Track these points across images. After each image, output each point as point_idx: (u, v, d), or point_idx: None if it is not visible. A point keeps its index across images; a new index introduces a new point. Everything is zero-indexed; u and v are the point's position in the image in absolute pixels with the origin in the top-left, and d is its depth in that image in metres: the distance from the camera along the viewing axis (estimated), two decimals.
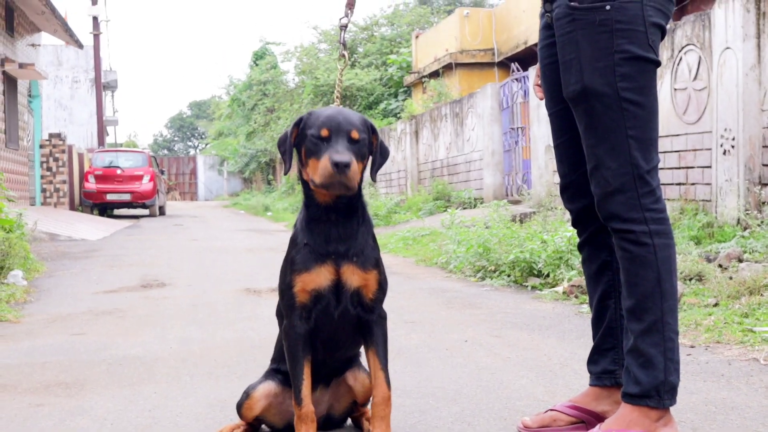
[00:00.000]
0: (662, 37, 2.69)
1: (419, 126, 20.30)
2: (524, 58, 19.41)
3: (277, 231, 17.22)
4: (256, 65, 41.11)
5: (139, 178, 24.44)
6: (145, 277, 8.40)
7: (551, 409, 2.95)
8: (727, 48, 8.01)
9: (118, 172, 24.44)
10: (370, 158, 2.73)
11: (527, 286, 6.93)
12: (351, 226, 2.68)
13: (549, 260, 6.94)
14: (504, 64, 21.56)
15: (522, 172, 14.60)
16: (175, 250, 12.16)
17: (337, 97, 2.86)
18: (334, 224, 2.67)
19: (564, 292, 6.26)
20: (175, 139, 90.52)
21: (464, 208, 14.45)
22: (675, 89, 8.98)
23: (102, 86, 32.16)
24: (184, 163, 57.92)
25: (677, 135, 8.91)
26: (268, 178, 45.00)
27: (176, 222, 21.74)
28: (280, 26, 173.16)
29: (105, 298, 6.93)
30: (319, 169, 2.53)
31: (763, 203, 7.66)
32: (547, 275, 6.88)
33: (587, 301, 5.67)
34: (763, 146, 7.71)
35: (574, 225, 2.98)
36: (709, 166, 8.39)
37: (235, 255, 11.11)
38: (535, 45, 2.95)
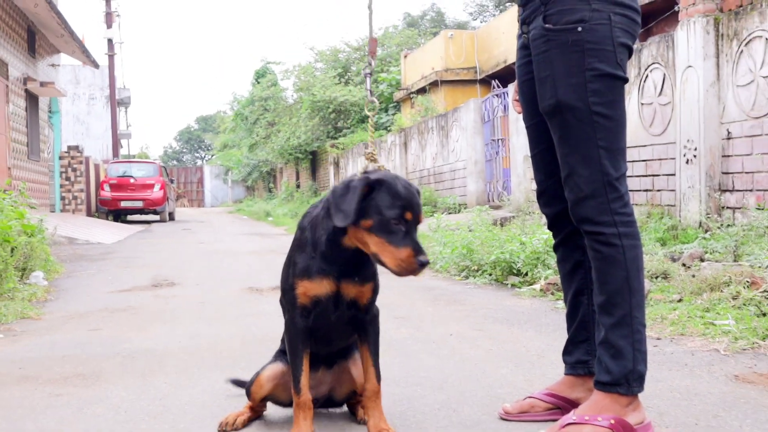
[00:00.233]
0: (629, 56, 2.70)
1: (408, 138, 20.30)
2: (504, 76, 19.44)
3: (277, 235, 17.19)
4: (258, 83, 41.11)
5: (151, 186, 24.40)
6: (156, 277, 8.38)
7: (530, 397, 2.95)
8: (689, 66, 8.03)
9: (131, 181, 24.42)
10: None
11: (507, 284, 6.93)
12: (362, 260, 2.63)
13: (527, 260, 6.95)
14: (485, 81, 21.58)
15: (502, 179, 14.62)
16: (184, 253, 12.13)
17: (371, 143, 2.81)
18: (349, 262, 2.62)
19: (541, 290, 6.26)
20: (184, 150, 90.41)
21: (449, 213, 14.46)
22: (642, 104, 8.99)
23: (116, 102, 32.08)
24: (192, 172, 57.88)
25: (644, 146, 8.93)
26: (269, 186, 45.01)
27: (185, 227, 21.70)
28: (280, 47, 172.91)
29: (119, 296, 6.91)
30: (399, 257, 2.42)
31: (723, 208, 7.68)
32: (526, 274, 6.88)
33: (562, 298, 5.67)
34: (723, 156, 7.74)
35: (549, 228, 2.99)
36: (673, 174, 8.41)
37: (239, 257, 11.09)
38: (514, 64, 2.96)
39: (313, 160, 34.00)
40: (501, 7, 40.76)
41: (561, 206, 2.85)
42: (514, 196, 12.97)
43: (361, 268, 2.64)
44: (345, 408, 3.05)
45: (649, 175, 8.90)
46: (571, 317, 2.94)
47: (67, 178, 23.73)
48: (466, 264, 7.78)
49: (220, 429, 2.79)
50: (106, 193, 24.16)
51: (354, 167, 25.45)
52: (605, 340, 2.64)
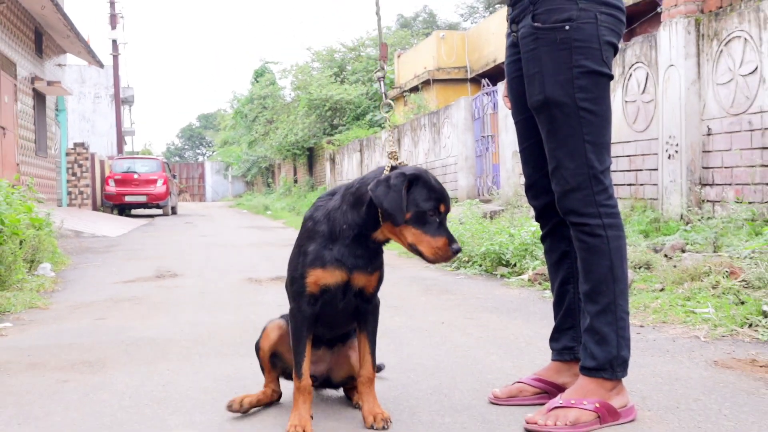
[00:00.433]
0: (615, 54, 2.70)
1: (401, 135, 20.28)
2: (493, 75, 19.43)
3: (276, 228, 17.18)
4: (257, 82, 41.04)
5: (154, 181, 24.38)
6: (159, 269, 8.36)
7: (518, 382, 2.95)
8: (671, 65, 8.04)
9: (135, 176, 24.39)
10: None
11: (497, 275, 6.93)
12: (377, 250, 2.68)
13: (516, 252, 6.95)
14: (476, 80, 21.57)
15: (492, 174, 14.61)
16: (186, 245, 12.12)
17: (390, 144, 2.80)
18: (367, 254, 2.64)
19: (529, 280, 6.27)
20: (186, 147, 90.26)
21: None
22: (626, 101, 9.00)
23: (120, 101, 32.02)
24: (194, 168, 57.78)
25: (628, 141, 8.94)
26: (268, 181, 44.93)
27: (187, 220, 21.67)
28: (278, 47, 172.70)
29: (124, 287, 6.90)
30: (433, 247, 2.49)
31: (703, 201, 7.69)
32: (514, 265, 6.89)
33: (549, 287, 5.69)
34: (703, 151, 7.74)
35: (537, 219, 2.99)
36: (656, 169, 8.42)
37: (239, 249, 11.08)
38: (503, 63, 2.95)
39: (310, 156, 33.96)
40: (491, 8, 40.69)
41: (548, 198, 2.85)
42: (503, 191, 12.97)
43: (375, 258, 2.67)
44: (341, 392, 3.05)
45: (633, 170, 8.90)
46: (557, 305, 2.94)
47: (74, 174, 23.69)
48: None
49: (230, 408, 2.79)
50: (111, 188, 24.13)
51: (349, 163, 25.42)
52: (590, 327, 2.64)
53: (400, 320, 4.80)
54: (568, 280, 2.88)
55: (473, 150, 15.64)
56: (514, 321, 4.70)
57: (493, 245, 7.20)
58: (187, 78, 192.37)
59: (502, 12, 20.00)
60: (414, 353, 3.84)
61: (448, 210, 2.57)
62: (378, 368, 3.12)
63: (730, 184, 7.37)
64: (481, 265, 7.28)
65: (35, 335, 4.61)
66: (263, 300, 5.84)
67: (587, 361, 2.64)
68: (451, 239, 2.50)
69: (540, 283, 6.08)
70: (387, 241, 2.65)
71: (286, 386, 2.94)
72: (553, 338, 2.96)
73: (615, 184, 8.42)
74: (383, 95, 2.93)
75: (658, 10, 8.76)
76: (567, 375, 2.88)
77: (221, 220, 22.06)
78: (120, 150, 31.50)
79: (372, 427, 2.62)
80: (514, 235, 7.25)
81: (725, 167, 7.45)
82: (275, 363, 2.87)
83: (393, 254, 9.32)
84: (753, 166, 6.98)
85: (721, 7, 7.89)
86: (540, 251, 6.67)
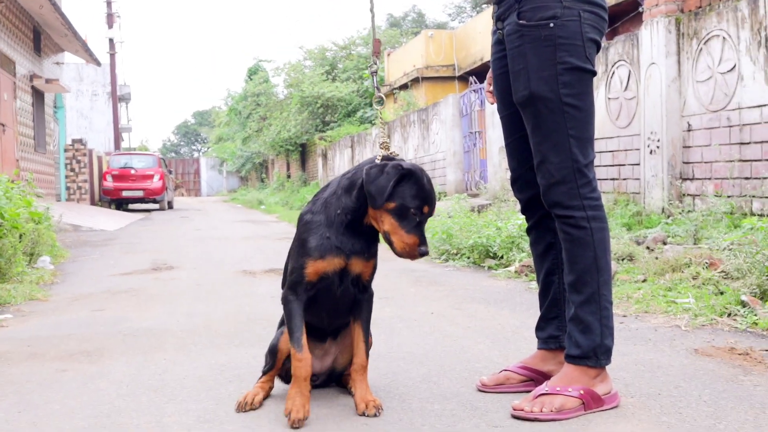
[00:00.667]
0: (597, 51, 2.70)
1: (391, 131, 20.28)
2: (481, 73, 19.42)
3: (269, 222, 17.15)
4: (251, 79, 40.95)
5: (150, 177, 24.31)
6: (155, 262, 8.34)
7: (505, 370, 2.95)
8: (653, 63, 8.05)
9: (132, 172, 24.32)
10: None
11: (484, 267, 6.94)
12: (373, 237, 2.70)
13: (503, 244, 6.96)
14: (463, 78, 21.56)
15: (479, 169, 14.62)
16: (182, 239, 12.09)
17: (382, 135, 2.79)
18: (362, 238, 2.66)
19: (516, 272, 6.27)
20: (181, 143, 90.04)
21: None
22: (609, 98, 9.01)
23: (117, 98, 31.89)
24: (189, 164, 57.70)
25: (611, 137, 8.95)
26: (262, 177, 44.90)
27: (183, 215, 21.62)
28: (271, 46, 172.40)
29: (121, 279, 6.87)
30: (404, 242, 2.53)
31: (684, 195, 7.72)
32: (501, 257, 6.90)
33: (535, 279, 5.70)
34: (684, 147, 7.76)
35: (523, 212, 2.99)
36: (638, 164, 8.43)
37: (234, 242, 11.05)
38: (490, 61, 2.95)
39: (303, 152, 33.92)
40: (478, 8, 40.71)
41: (534, 192, 2.85)
42: (490, 185, 12.99)
43: (371, 244, 2.69)
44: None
45: (616, 165, 8.92)
46: (543, 295, 2.94)
47: (72, 170, 23.59)
48: (445, 248, 7.78)
49: (238, 408, 2.73)
50: (109, 183, 24.05)
51: (341, 159, 25.40)
52: (575, 316, 2.65)
53: (391, 311, 4.80)
54: (554, 271, 2.88)
55: (461, 146, 15.65)
56: (501, 311, 4.70)
57: (481, 238, 7.20)
58: (182, 76, 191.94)
59: (489, 12, 19.97)
60: (404, 342, 3.84)
61: (431, 213, 2.59)
62: None
63: (709, 179, 7.40)
64: (469, 258, 7.29)
65: (35, 326, 4.60)
66: (257, 291, 5.83)
67: (572, 349, 2.65)
68: (422, 241, 2.54)
69: (526, 275, 6.09)
70: (373, 226, 2.66)
71: (279, 386, 2.95)
72: (539, 327, 2.96)
73: (598, 179, 8.45)
74: (375, 89, 2.93)
75: (640, 9, 8.77)
76: (552, 363, 2.88)
77: (216, 214, 22.02)
78: (117, 146, 31.38)
79: (364, 414, 2.61)
80: (501, 228, 7.26)
81: (705, 162, 7.47)
82: (284, 363, 2.86)
83: (383, 247, 9.30)
84: (731, 161, 7.00)
85: (700, 7, 7.91)
86: (526, 244, 6.68)
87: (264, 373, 2.87)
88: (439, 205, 11.59)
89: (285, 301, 2.68)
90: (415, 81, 23.07)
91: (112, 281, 6.73)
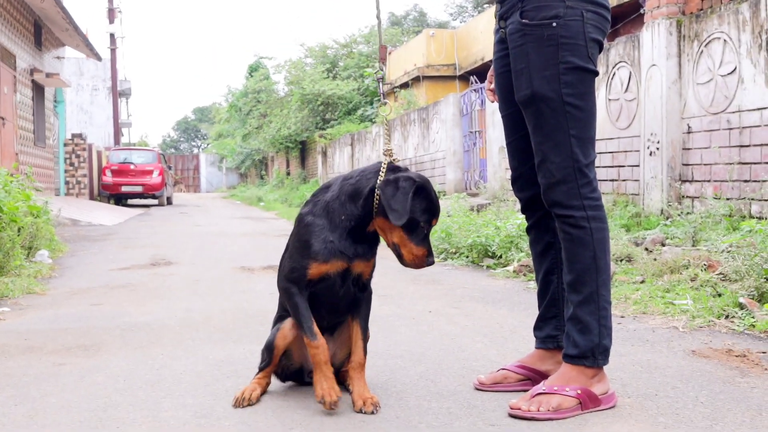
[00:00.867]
0: (600, 51, 2.70)
1: (392, 130, 20.23)
2: (482, 72, 19.41)
3: (268, 219, 17.15)
4: (251, 76, 40.90)
5: (150, 172, 24.29)
6: (154, 257, 8.34)
7: (503, 369, 2.95)
8: (653, 65, 8.05)
9: (132, 167, 24.30)
10: None
11: (483, 266, 6.93)
12: (375, 239, 2.73)
13: (501, 244, 6.96)
14: (464, 77, 21.56)
15: (479, 169, 14.62)
16: (181, 234, 12.08)
17: (386, 142, 2.79)
18: (365, 238, 2.69)
19: (514, 271, 6.27)
20: (181, 139, 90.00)
21: None
22: (609, 99, 9.01)
23: (118, 93, 31.84)
24: (189, 160, 57.67)
25: (611, 138, 8.95)
26: (261, 174, 44.87)
27: (182, 210, 21.61)
28: (272, 42, 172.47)
29: (119, 274, 6.87)
30: (413, 254, 2.61)
31: (683, 197, 7.72)
32: (500, 256, 6.89)
33: (534, 278, 5.69)
34: (683, 148, 7.76)
35: (523, 211, 2.98)
36: (638, 165, 8.43)
37: (232, 238, 11.05)
38: (491, 61, 2.95)
39: (303, 150, 33.91)
40: (479, 8, 40.71)
41: (534, 191, 2.84)
42: (489, 185, 12.98)
43: (373, 247, 2.73)
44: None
45: (615, 166, 8.92)
46: (541, 295, 2.94)
47: (71, 164, 23.57)
48: (444, 247, 7.78)
49: (236, 404, 2.72)
50: (108, 178, 24.03)
51: (341, 157, 25.39)
52: (573, 316, 2.64)
53: (389, 309, 4.79)
54: (553, 271, 2.88)
55: (461, 145, 15.65)
56: (499, 310, 4.70)
57: (480, 237, 7.20)
58: (183, 72, 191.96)
59: (491, 11, 20.00)
60: (402, 340, 3.83)
61: (436, 224, 2.65)
62: None
63: (708, 181, 7.40)
64: (467, 257, 7.28)
65: (32, 320, 4.59)
66: (255, 288, 5.83)
67: (570, 349, 2.64)
68: (429, 252, 2.62)
69: (525, 275, 6.08)
70: (375, 232, 2.70)
71: (275, 382, 2.95)
72: (537, 327, 2.96)
73: (598, 180, 8.44)
74: (381, 95, 2.94)
75: (642, 11, 8.76)
76: (550, 362, 2.88)
77: (215, 210, 22.01)
78: (117, 141, 31.35)
79: (361, 411, 2.61)
80: (500, 227, 7.25)
81: (704, 164, 7.47)
82: (281, 360, 2.85)
83: (381, 245, 9.29)
84: (731, 164, 7.00)
85: (701, 9, 7.91)
86: (525, 243, 6.68)
87: (260, 369, 2.86)
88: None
89: (287, 294, 2.68)
90: (416, 80, 23.08)
91: (110, 276, 6.73)
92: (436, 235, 7.94)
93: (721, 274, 4.82)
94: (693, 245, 6.12)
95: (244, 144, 43.14)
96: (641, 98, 8.30)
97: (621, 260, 6.01)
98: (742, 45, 6.94)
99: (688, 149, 7.70)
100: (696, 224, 6.50)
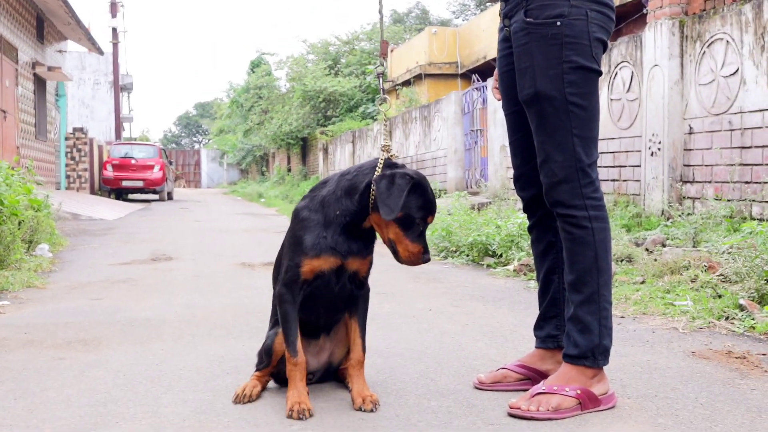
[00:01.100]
0: (604, 50, 2.69)
1: (393, 127, 20.25)
2: (484, 71, 19.40)
3: (269, 215, 17.15)
4: (253, 72, 40.87)
5: (151, 167, 24.27)
6: (154, 252, 8.34)
7: (502, 368, 2.95)
8: (656, 65, 8.04)
9: (133, 162, 24.28)
10: None
11: (483, 265, 6.93)
12: (370, 236, 2.72)
13: (502, 243, 6.95)
14: (466, 76, 21.54)
15: (480, 168, 14.61)
16: (181, 230, 12.08)
17: (385, 137, 2.79)
18: (360, 234, 2.67)
19: (514, 270, 6.27)
20: (182, 134, 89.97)
21: None
22: (611, 99, 9.00)
23: (119, 88, 31.83)
24: (190, 155, 57.68)
25: (612, 138, 8.94)
26: (262, 170, 44.87)
27: (182, 206, 21.61)
28: (274, 39, 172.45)
29: (120, 269, 6.87)
30: (409, 251, 2.59)
31: (684, 198, 7.71)
32: (501, 255, 6.89)
33: (534, 278, 5.69)
34: (685, 149, 7.76)
35: (524, 210, 2.98)
36: (639, 166, 8.43)
37: (233, 234, 11.05)
38: (493, 60, 2.95)
39: (304, 146, 33.90)
40: (482, 6, 40.64)
41: (536, 190, 2.84)
42: (490, 183, 12.98)
43: (369, 244, 2.71)
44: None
45: (617, 166, 8.91)
46: (542, 294, 2.94)
47: (72, 158, 23.58)
48: (445, 245, 7.78)
49: (236, 400, 2.73)
50: (109, 172, 24.02)
51: (342, 154, 25.38)
52: (574, 316, 2.64)
53: (389, 306, 4.79)
54: (554, 270, 2.88)
55: (462, 143, 15.64)
56: (500, 309, 4.70)
57: (480, 236, 7.20)
58: (184, 67, 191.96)
59: (493, 9, 19.98)
60: (402, 338, 3.83)
61: (431, 221, 2.63)
62: None
63: (709, 182, 7.39)
64: (468, 255, 7.28)
65: (32, 313, 4.59)
66: (255, 284, 5.83)
67: (570, 348, 2.64)
68: (425, 249, 2.59)
69: (525, 274, 6.08)
70: (371, 229, 2.69)
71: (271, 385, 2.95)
72: (538, 326, 2.95)
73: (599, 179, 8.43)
74: (381, 90, 2.93)
75: (644, 11, 8.76)
76: (550, 362, 2.88)
77: (216, 206, 22.01)
78: (118, 136, 31.34)
79: (361, 409, 2.61)
80: (500, 226, 7.25)
81: (705, 165, 7.46)
82: (278, 363, 2.85)
83: (379, 243, 9.28)
84: (732, 165, 7.00)
85: (704, 10, 7.90)
86: (525, 242, 6.68)
87: (258, 370, 2.86)
88: (440, 203, 11.59)
89: (280, 300, 2.67)
90: (418, 77, 23.06)
91: (110, 270, 6.73)
92: (436, 233, 7.94)
93: (721, 275, 4.82)
94: (693, 246, 6.12)
95: (245, 140, 43.13)
96: (643, 98, 8.30)
97: (621, 260, 6.01)
98: (745, 46, 6.94)
99: (690, 150, 7.70)
100: (697, 225, 6.50)
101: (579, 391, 2.58)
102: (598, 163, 3.12)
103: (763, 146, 6.69)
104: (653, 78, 8.08)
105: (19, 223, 6.89)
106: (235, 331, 4.03)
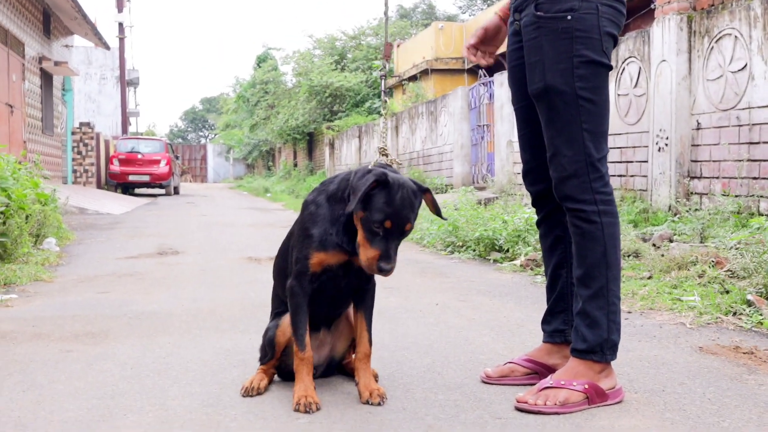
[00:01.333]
0: (614, 45, 2.69)
1: (399, 122, 20.25)
2: (490, 66, 19.35)
3: (275, 210, 17.16)
4: (259, 67, 40.90)
5: (157, 162, 24.29)
6: (161, 246, 8.35)
7: (509, 362, 2.95)
8: (663, 61, 8.02)
9: (139, 156, 24.30)
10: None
11: (490, 260, 6.93)
12: None
13: (509, 238, 6.95)
14: (472, 71, 21.51)
15: (486, 163, 14.60)
16: (188, 224, 12.10)
17: (382, 139, 2.78)
18: None
19: (521, 265, 6.26)
20: (189, 129, 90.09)
21: (437, 193, 14.44)
22: (618, 95, 8.98)
23: (126, 83, 31.85)
24: (196, 150, 57.73)
25: (619, 134, 8.93)
26: (268, 165, 44.90)
27: (188, 200, 21.64)
28: (281, 34, 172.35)
29: (126, 262, 6.88)
30: (367, 256, 2.44)
31: (691, 193, 7.70)
32: (507, 250, 6.89)
33: (541, 273, 5.70)
34: (692, 145, 7.74)
35: (533, 205, 2.97)
36: (646, 161, 8.41)
37: (239, 229, 11.06)
38: (500, 55, 2.95)
39: (310, 141, 33.92)
40: (488, 1, 40.59)
41: (545, 185, 2.83)
42: (497, 178, 12.97)
43: None
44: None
45: (624, 162, 8.90)
46: (550, 289, 2.93)
47: (79, 153, 23.61)
48: (451, 240, 7.78)
49: (244, 393, 2.73)
50: (115, 167, 24.05)
51: (348, 149, 25.39)
52: (582, 310, 2.64)
53: (396, 301, 4.79)
54: (562, 265, 2.87)
55: (469, 138, 15.63)
56: (506, 304, 4.70)
57: (487, 231, 7.19)
58: (191, 62, 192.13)
59: (500, 4, 19.91)
60: (408, 333, 3.83)
61: (397, 229, 2.44)
62: None
63: (717, 178, 7.37)
64: (474, 250, 7.28)
65: (40, 307, 4.60)
66: (262, 278, 5.83)
67: (578, 343, 2.64)
68: (383, 257, 2.42)
69: (531, 269, 6.08)
70: None
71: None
72: (545, 321, 2.95)
73: None
74: (382, 92, 2.92)
75: (652, 6, 8.74)
76: (557, 357, 2.88)
77: (222, 200, 22.03)
78: (125, 130, 31.37)
79: (368, 402, 2.61)
80: (507, 221, 7.25)
81: (713, 161, 7.44)
82: (281, 356, 2.85)
83: None
84: (740, 161, 6.98)
85: (713, 5, 7.86)
86: (532, 238, 6.67)
87: (262, 364, 2.87)
88: (446, 197, 11.59)
89: (291, 292, 2.67)
90: (425, 73, 23.05)
91: (117, 264, 6.74)
92: (442, 228, 7.94)
93: (729, 271, 4.80)
94: (701, 242, 6.10)
95: (251, 135, 43.17)
96: (650, 94, 8.28)
97: (628, 256, 6.00)
98: (753, 41, 6.91)
99: (697, 146, 7.67)
100: (704, 221, 6.48)
101: (586, 386, 2.57)
102: None
103: None
104: (661, 73, 8.05)
105: (27, 217, 6.91)
106: (242, 324, 4.04)
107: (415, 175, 16.95)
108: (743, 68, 7.03)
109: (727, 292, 4.40)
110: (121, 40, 30.96)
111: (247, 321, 4.13)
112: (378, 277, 2.76)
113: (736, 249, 5.24)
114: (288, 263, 2.75)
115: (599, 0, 2.59)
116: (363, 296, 2.74)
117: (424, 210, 9.83)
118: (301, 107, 31.65)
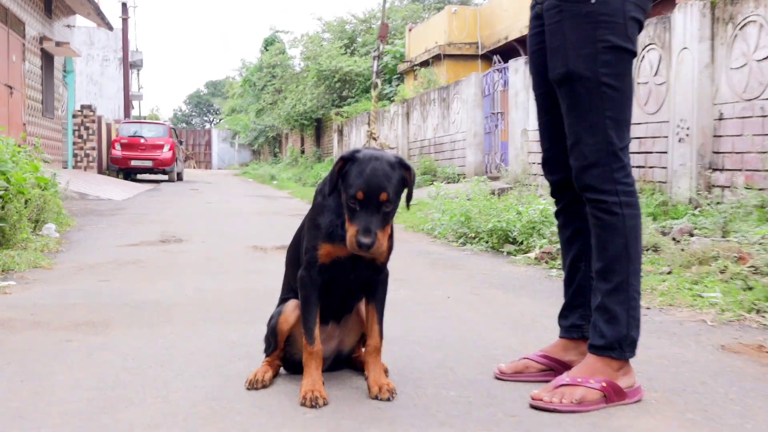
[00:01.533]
0: (640, 30, 2.65)
1: (410, 109, 20.21)
2: (505, 52, 19.30)
3: (281, 197, 17.15)
4: (267, 50, 40.86)
5: (160, 147, 24.33)
6: (164, 234, 8.35)
7: (524, 358, 2.93)
8: (685, 48, 7.96)
9: (142, 141, 24.35)
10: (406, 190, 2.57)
11: (503, 252, 6.90)
12: None
13: (523, 229, 6.92)
14: (486, 57, 21.44)
15: (500, 152, 14.56)
16: (191, 211, 12.11)
17: (373, 122, 2.76)
18: None
19: (536, 258, 6.24)
20: (193, 114, 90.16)
21: (448, 183, 14.41)
22: (638, 83, 8.93)
23: (129, 65, 31.89)
24: (201, 135, 57.80)
25: (638, 123, 8.87)
26: (275, 151, 44.93)
27: (192, 187, 21.67)
28: (289, 16, 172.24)
29: (128, 250, 6.89)
30: (348, 236, 2.43)
31: (712, 186, 7.65)
32: (521, 242, 6.86)
33: (556, 266, 5.68)
34: (714, 136, 7.69)
35: (552, 195, 2.95)
36: (666, 152, 8.36)
37: (245, 217, 11.07)
38: (515, 40, 2.92)
39: (318, 127, 33.90)
40: None
41: (565, 174, 2.81)
42: (511, 168, 12.93)
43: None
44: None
45: (642, 152, 8.85)
46: (568, 283, 2.91)
47: (80, 136, 23.65)
48: (463, 231, 7.76)
49: (249, 386, 2.72)
50: (117, 151, 24.10)
51: (357, 135, 25.38)
52: (601, 305, 2.61)
53: (406, 293, 4.78)
54: (580, 258, 2.85)
55: (482, 126, 15.58)
56: (520, 298, 4.68)
57: (501, 222, 7.17)
58: (196, 44, 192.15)
59: None
60: (419, 326, 3.82)
61: (372, 200, 2.40)
62: None
63: (740, 170, 7.32)
64: (487, 242, 7.26)
65: (39, 294, 4.61)
66: (268, 268, 5.82)
67: (596, 339, 2.62)
68: (363, 230, 2.38)
69: (546, 262, 6.05)
70: None
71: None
72: (562, 315, 2.93)
73: None
74: (374, 74, 2.89)
75: None
76: (574, 353, 2.86)
77: (227, 188, 22.05)
78: (127, 114, 31.42)
79: (377, 398, 2.60)
80: (521, 212, 7.21)
81: (736, 152, 7.39)
82: (285, 347, 2.83)
83: (399, 228, 9.29)
84: (764, 153, 6.93)
85: None
86: (547, 230, 6.64)
87: (267, 356, 2.86)
88: (458, 187, 11.56)
89: (301, 283, 2.66)
90: (437, 58, 22.97)
91: (119, 252, 6.75)
92: (454, 219, 7.91)
93: (752, 267, 4.77)
94: (723, 236, 6.06)
95: (257, 120, 43.15)
96: (671, 82, 8.22)
97: (648, 250, 5.96)
98: None
99: (720, 137, 7.62)
100: (726, 214, 6.44)
101: (604, 384, 2.55)
102: None
103: None
104: (682, 61, 8.00)
105: (26, 201, 6.91)
106: (247, 315, 4.03)
107: (426, 164, 16.92)
108: None
109: (750, 288, 4.37)
110: (125, 20, 30.99)
111: (253, 312, 4.12)
112: (390, 270, 2.74)
113: (760, 244, 5.20)
114: (300, 253, 2.74)
115: None
116: (375, 288, 2.73)
117: (433, 199, 9.77)
118: (309, 92, 31.62)
